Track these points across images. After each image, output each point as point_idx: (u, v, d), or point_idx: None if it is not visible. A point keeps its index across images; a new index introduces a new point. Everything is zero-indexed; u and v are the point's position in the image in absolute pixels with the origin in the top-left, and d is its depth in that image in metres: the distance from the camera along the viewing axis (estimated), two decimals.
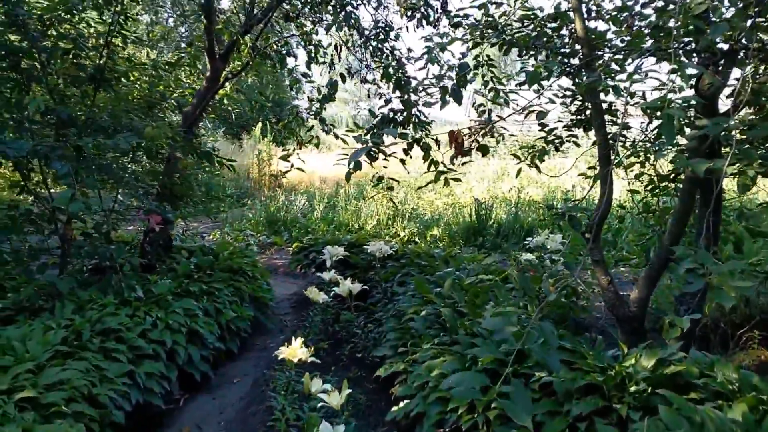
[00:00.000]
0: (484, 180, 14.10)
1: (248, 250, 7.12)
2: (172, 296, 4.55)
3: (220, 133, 18.81)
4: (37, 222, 4.56)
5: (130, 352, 3.71)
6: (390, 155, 5.53)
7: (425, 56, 4.43)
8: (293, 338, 4.73)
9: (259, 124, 18.44)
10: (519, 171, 5.81)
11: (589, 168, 5.15)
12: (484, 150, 3.42)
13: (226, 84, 7.79)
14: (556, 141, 5.03)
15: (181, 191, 5.88)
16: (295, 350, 3.32)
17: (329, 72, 6.29)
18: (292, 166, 6.36)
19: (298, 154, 6.58)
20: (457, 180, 3.93)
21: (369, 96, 6.42)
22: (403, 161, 5.62)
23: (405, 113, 5.57)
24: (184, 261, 5.30)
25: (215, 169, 13.17)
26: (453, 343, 3.38)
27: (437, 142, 5.83)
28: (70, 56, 4.87)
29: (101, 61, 4.92)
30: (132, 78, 5.48)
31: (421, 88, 5.53)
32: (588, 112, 4.85)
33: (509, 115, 3.44)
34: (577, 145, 5.06)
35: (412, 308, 4.10)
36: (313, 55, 6.11)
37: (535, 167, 5.64)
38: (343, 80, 5.63)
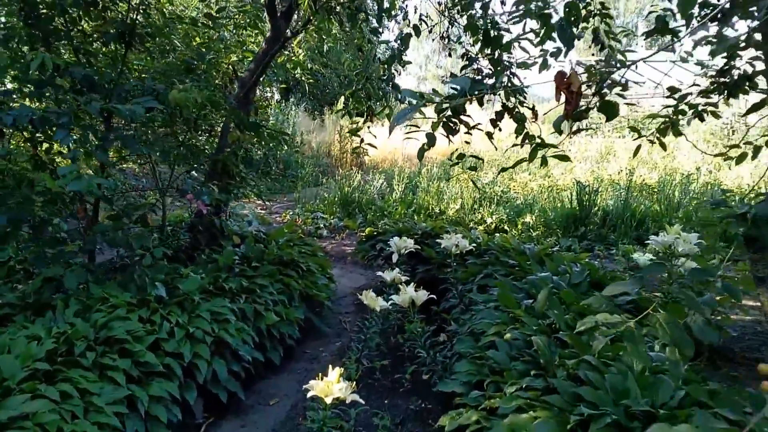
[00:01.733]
0: (586, 160, 12.69)
1: (309, 238, 6.39)
2: (203, 295, 3.85)
3: (301, 108, 18.32)
4: (57, 203, 3.99)
5: (135, 368, 3.02)
6: (474, 127, 4.57)
7: (520, 6, 3.42)
8: (347, 350, 3.91)
9: (341, 99, 17.76)
10: (638, 149, 4.72)
11: (731, 147, 3.95)
12: (608, 110, 2.36)
13: (292, 46, 7.00)
14: (690, 111, 3.98)
15: (234, 169, 5.19)
16: (330, 386, 2.47)
17: (399, 25, 5.35)
18: (361, 141, 5.57)
19: (369, 127, 5.76)
20: (564, 158, 2.92)
21: (451, 55, 5.44)
22: (489, 134, 4.63)
23: (494, 75, 4.55)
24: (228, 250, 4.60)
25: (293, 146, 12.49)
26: (549, 391, 2.41)
27: (534, 111, 4.80)
28: (99, 9, 4.24)
29: (133, 15, 4.26)
30: (168, 36, 4.78)
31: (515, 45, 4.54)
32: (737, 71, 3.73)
33: (650, 56, 2.35)
34: (717, 116, 3.95)
35: (494, 328, 3.14)
36: (384, 4, 5.17)
37: (660, 144, 4.54)
38: (417, 33, 4.67)
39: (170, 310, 3.51)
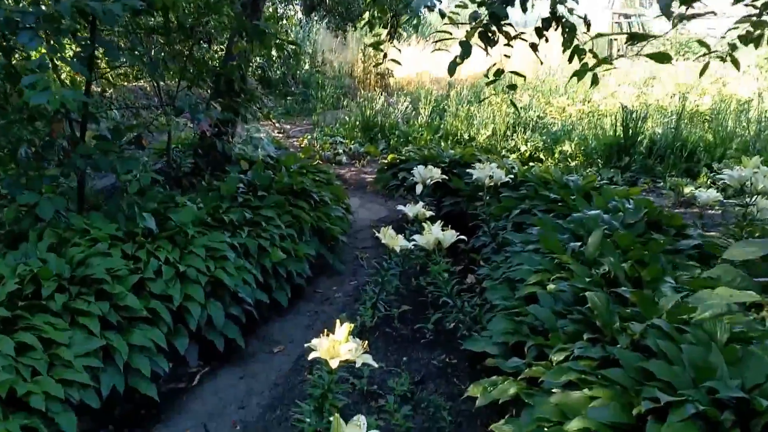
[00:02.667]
0: (629, 84, 11.81)
1: (326, 165, 5.89)
2: (200, 228, 3.42)
3: (322, 25, 17.40)
4: (36, 120, 3.53)
5: (114, 313, 2.63)
6: (517, 37, 3.95)
7: None
8: (362, 292, 3.51)
9: (367, 15, 16.79)
10: (705, 66, 4.12)
11: None
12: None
13: None
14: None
15: (239, 84, 4.65)
16: (337, 346, 2.03)
17: None
18: (385, 56, 4.98)
19: (392, 40, 5.16)
20: (662, 58, 2.39)
21: None
22: (534, 45, 4.01)
23: None
24: (231, 177, 4.13)
25: (314, 65, 11.77)
26: (608, 363, 1.94)
27: (586, 21, 4.15)
28: None
29: None
30: None
31: None
32: None
33: None
34: None
35: (534, 276, 2.66)
36: None
37: (733, 61, 3.93)
38: None
39: (159, 245, 3.10)
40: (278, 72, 13.49)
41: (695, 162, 6.77)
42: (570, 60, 3.96)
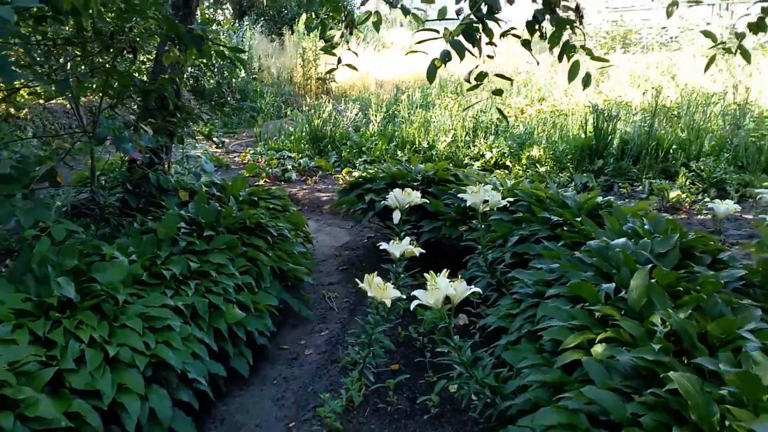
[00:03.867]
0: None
1: (276, 185, 5.25)
2: (134, 287, 2.74)
3: (257, 29, 16.62)
4: None
5: (23, 427, 1.95)
6: (506, 34, 3.46)
7: None
8: (338, 344, 2.92)
9: (303, 17, 16.11)
10: (711, 60, 3.76)
11: None
12: None
13: None
14: None
15: (173, 101, 3.97)
16: None
17: None
18: (339, 62, 4.40)
19: (347, 42, 4.59)
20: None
21: None
22: (527, 43, 3.50)
23: None
24: (170, 215, 3.44)
25: (250, 72, 11.01)
26: None
27: (578, 10, 3.68)
28: None
29: None
30: None
31: None
32: None
33: None
34: None
35: (573, 337, 2.13)
36: None
37: (743, 54, 3.59)
38: None
39: (81, 319, 2.41)
40: (212, 81, 12.69)
41: (671, 161, 6.47)
42: (560, 58, 3.49)
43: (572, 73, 3.47)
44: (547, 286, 2.67)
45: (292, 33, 16.32)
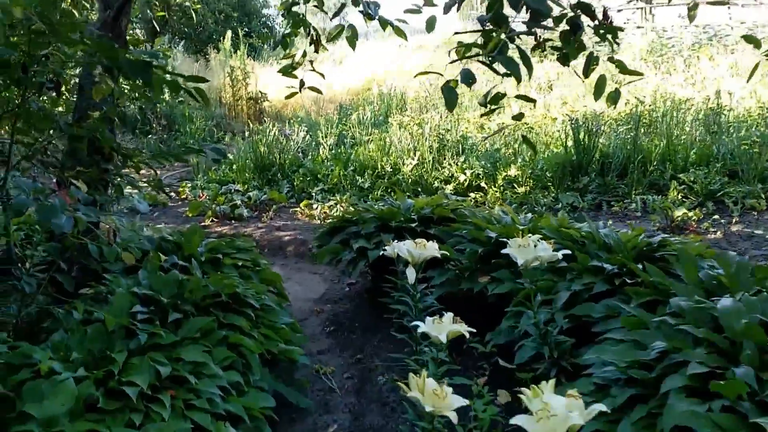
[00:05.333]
0: (536, 89, 11.31)
1: (229, 227, 4.48)
2: (85, 419, 1.97)
3: (179, 49, 15.62)
4: None
5: None
6: (538, 47, 2.91)
7: None
8: None
9: (229, 34, 15.26)
10: (755, 67, 3.34)
11: None
12: None
13: None
14: None
15: (110, 145, 3.18)
16: None
17: None
18: (301, 85, 3.81)
19: (312, 62, 4.00)
20: None
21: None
22: (565, 57, 2.93)
23: None
24: (119, 295, 2.66)
25: (175, 95, 10.07)
26: None
27: (606, 16, 3.17)
28: None
29: None
30: None
31: None
32: None
33: None
34: None
35: None
36: None
37: None
38: None
39: None
40: (132, 106, 11.64)
41: (657, 174, 6.12)
42: (586, 73, 2.95)
43: (599, 90, 2.94)
44: (647, 370, 2.08)
45: (218, 51, 15.41)
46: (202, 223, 6.22)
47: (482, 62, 2.66)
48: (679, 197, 5.72)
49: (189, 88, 2.82)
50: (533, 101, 3.08)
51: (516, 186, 6.34)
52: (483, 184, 6.45)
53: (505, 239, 3.27)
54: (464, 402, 1.89)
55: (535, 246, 2.52)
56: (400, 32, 3.70)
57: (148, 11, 11.79)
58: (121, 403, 2.07)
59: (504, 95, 2.93)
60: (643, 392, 2.06)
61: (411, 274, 2.81)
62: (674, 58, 13.07)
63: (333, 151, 8.08)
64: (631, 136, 6.24)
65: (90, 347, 2.36)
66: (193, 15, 15.44)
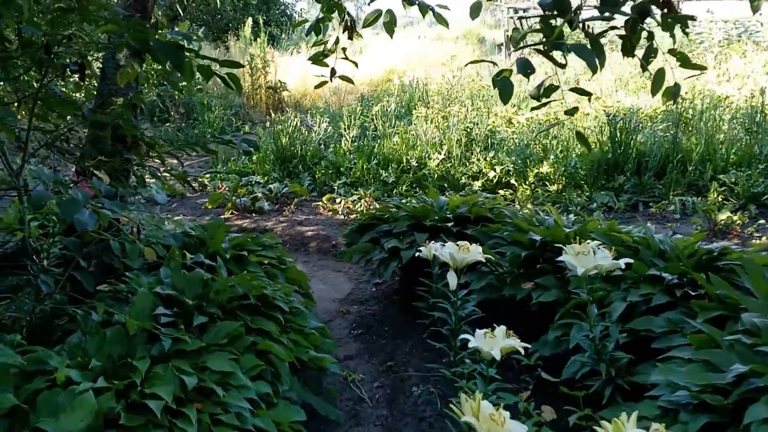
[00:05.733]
0: (564, 83, 10.99)
1: (249, 220, 4.30)
2: (102, 429, 1.80)
3: (199, 35, 15.46)
4: None
5: None
6: (602, 35, 2.69)
7: None
8: None
9: (249, 22, 15.07)
10: None
11: None
12: None
13: None
14: None
15: (133, 133, 3.02)
16: None
17: None
18: (332, 74, 3.63)
19: (344, 50, 3.81)
20: None
21: None
22: (631, 47, 2.72)
23: None
24: (141, 295, 2.50)
25: (193, 83, 9.80)
26: None
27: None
28: None
29: None
30: None
31: None
32: None
33: None
34: None
35: None
36: None
37: None
38: None
39: None
40: (150, 93, 11.48)
41: (696, 175, 5.86)
42: (644, 67, 2.73)
43: (656, 84, 2.71)
44: (722, 395, 1.88)
45: (238, 39, 15.24)
46: (222, 215, 6.05)
47: (540, 51, 2.46)
48: (720, 199, 5.47)
49: (222, 74, 2.64)
50: (588, 94, 2.87)
51: (548, 184, 6.11)
52: (513, 181, 6.24)
53: (550, 242, 3.09)
54: (523, 428, 1.70)
55: (594, 253, 2.30)
56: (441, 19, 3.49)
57: None
58: (144, 418, 1.90)
59: (558, 87, 2.72)
60: (720, 420, 1.86)
61: (453, 279, 2.61)
62: (704, 54, 12.71)
63: (356, 144, 7.89)
64: (671, 134, 5.98)
65: (110, 352, 2.20)
66: (216, 1, 15.22)
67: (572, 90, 2.83)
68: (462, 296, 2.76)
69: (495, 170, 6.23)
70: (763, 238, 4.64)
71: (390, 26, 3.49)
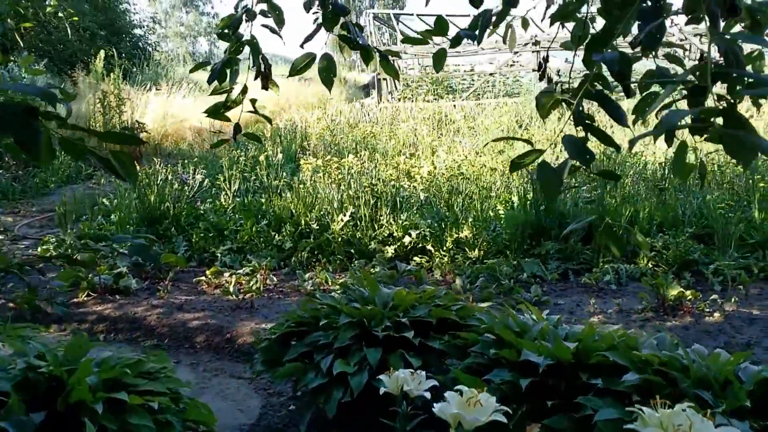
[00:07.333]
0: (431, 128, 10.70)
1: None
2: None
3: (41, 69, 13.58)
4: None
5: None
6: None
7: None
8: None
9: (101, 55, 13.49)
10: None
11: None
12: None
13: None
14: None
15: None
16: None
17: None
18: (237, 131, 2.80)
19: (253, 102, 3.02)
20: None
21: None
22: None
23: None
24: None
25: None
26: None
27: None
28: None
29: None
30: None
31: None
32: None
33: None
34: None
35: None
36: None
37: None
38: None
39: None
40: None
41: (625, 240, 5.51)
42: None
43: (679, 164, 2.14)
44: None
45: (88, 73, 13.56)
46: (75, 300, 4.78)
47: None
48: (650, 265, 5.15)
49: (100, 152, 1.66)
50: (532, 146, 2.21)
51: (467, 250, 5.49)
52: (429, 247, 5.55)
53: (553, 363, 2.37)
54: None
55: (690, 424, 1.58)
56: (389, 69, 2.74)
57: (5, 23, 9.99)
58: None
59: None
60: None
61: None
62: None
63: (239, 199, 6.87)
64: (596, 195, 5.63)
65: None
66: (66, 30, 13.52)
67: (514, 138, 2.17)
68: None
69: (410, 235, 5.51)
70: (716, 314, 4.29)
71: (327, 76, 2.67)
